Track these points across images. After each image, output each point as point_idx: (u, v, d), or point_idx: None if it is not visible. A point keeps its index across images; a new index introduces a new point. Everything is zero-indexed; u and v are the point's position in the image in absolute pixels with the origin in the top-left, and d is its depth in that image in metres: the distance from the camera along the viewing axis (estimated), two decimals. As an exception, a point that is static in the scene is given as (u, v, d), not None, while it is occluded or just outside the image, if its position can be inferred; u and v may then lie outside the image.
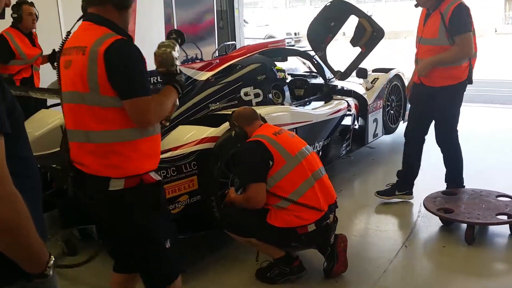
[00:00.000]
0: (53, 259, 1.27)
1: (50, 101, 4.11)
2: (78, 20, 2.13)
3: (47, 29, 5.73)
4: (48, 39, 5.20)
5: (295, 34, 18.46)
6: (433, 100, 4.00)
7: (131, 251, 2.17)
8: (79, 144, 2.03)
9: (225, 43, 8.12)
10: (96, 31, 1.98)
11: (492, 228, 3.63)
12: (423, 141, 4.26)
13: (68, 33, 2.11)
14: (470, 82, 3.96)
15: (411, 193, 4.30)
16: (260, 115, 3.21)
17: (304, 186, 2.89)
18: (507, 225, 3.54)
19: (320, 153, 4.52)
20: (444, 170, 4.25)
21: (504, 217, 3.52)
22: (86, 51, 1.93)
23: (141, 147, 2.02)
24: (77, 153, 2.05)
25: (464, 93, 4.00)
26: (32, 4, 4.85)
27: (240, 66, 4.38)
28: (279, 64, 5.00)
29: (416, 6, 3.98)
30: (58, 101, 3.88)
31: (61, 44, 2.11)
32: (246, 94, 4.14)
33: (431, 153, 5.63)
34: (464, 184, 4.17)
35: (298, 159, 2.94)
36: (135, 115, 1.95)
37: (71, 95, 2.01)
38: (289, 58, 5.66)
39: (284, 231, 2.87)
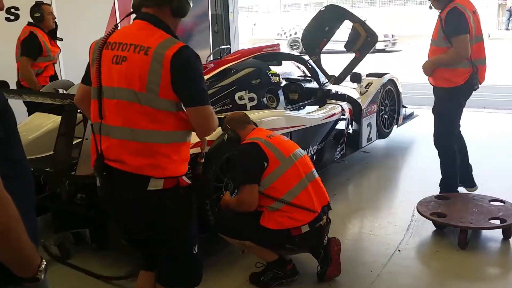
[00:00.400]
0: (45, 263, 1.26)
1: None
2: (127, 16, 2.15)
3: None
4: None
5: (392, 36, 18.31)
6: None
7: (160, 251, 2.17)
8: (122, 141, 1.99)
9: (220, 47, 8.12)
10: (156, 33, 1.99)
11: (485, 233, 3.64)
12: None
13: (116, 26, 2.09)
14: (471, 87, 3.99)
15: (471, 186, 4.33)
16: (251, 120, 3.22)
17: (298, 187, 2.91)
18: (500, 230, 3.56)
19: (314, 157, 4.53)
20: (437, 174, 4.27)
21: (497, 222, 3.53)
22: (150, 52, 1.92)
23: (182, 150, 2.07)
24: (117, 150, 2.00)
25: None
26: (49, 4, 5.06)
27: (234, 70, 4.39)
28: (274, 68, 5.01)
29: (430, 8, 4.10)
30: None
31: (105, 36, 2.07)
32: (240, 98, 4.14)
33: (425, 157, 5.68)
34: (458, 190, 4.20)
35: (292, 160, 2.96)
36: (200, 122, 2.03)
37: (123, 92, 1.97)
38: (283, 62, 5.67)
39: (278, 233, 2.88)
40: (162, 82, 1.92)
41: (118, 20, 7.11)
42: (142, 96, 1.94)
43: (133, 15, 2.14)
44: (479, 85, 4.06)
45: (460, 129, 4.28)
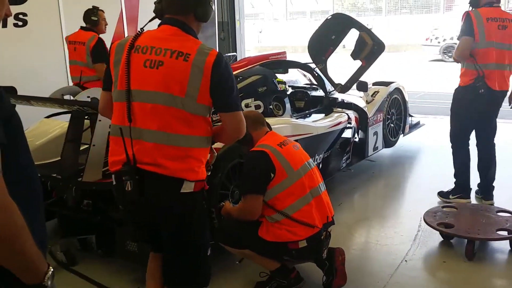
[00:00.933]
0: (52, 270, 1.25)
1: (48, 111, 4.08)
2: (150, 21, 2.19)
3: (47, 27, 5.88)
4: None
5: None
6: None
7: (175, 253, 2.19)
8: (157, 145, 2.02)
9: (226, 55, 8.16)
10: (189, 39, 2.07)
11: (492, 244, 3.61)
12: (480, 142, 4.44)
13: (141, 30, 2.13)
14: (476, 90, 4.11)
15: (486, 199, 4.40)
16: (266, 121, 3.14)
17: (300, 202, 2.85)
18: (507, 241, 3.53)
19: (320, 165, 4.51)
20: (444, 183, 4.26)
21: (505, 233, 3.50)
22: (190, 58, 1.98)
23: (206, 155, 2.17)
24: (152, 153, 2.03)
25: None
26: (103, 11, 5.28)
27: (241, 77, 4.39)
28: (280, 76, 5.01)
29: None
30: (58, 110, 3.92)
31: (131, 39, 2.09)
32: (247, 105, 4.15)
33: (431, 166, 5.65)
34: (469, 192, 4.37)
35: (300, 174, 2.89)
36: (235, 127, 2.14)
37: (161, 96, 2.00)
38: (290, 70, 5.68)
39: (275, 245, 2.85)
40: (201, 88, 1.99)
41: (125, 26, 7.16)
42: (180, 100, 1.99)
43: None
44: (496, 91, 4.13)
45: (491, 140, 4.40)
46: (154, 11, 2.18)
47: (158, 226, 2.21)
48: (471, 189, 4.45)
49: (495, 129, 4.40)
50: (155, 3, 2.17)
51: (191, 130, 2.03)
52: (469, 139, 4.39)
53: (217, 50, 2.32)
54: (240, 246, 2.97)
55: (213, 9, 2.17)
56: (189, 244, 2.17)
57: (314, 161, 4.25)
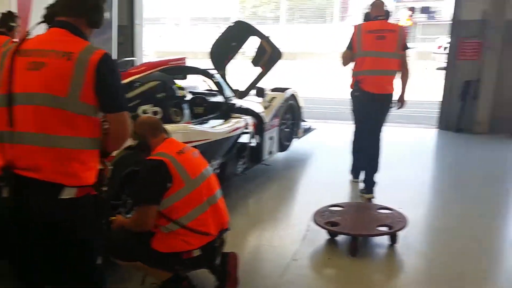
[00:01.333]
0: None
1: None
2: (37, 24, 2.13)
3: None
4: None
5: None
6: None
7: (63, 263, 2.12)
8: (37, 148, 1.95)
9: (125, 59, 7.99)
10: (76, 40, 2.04)
11: (374, 239, 3.87)
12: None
13: (27, 34, 2.07)
14: (353, 93, 4.74)
15: (365, 192, 4.87)
16: (164, 128, 3.05)
17: (196, 210, 2.80)
18: (388, 236, 3.82)
19: (218, 171, 4.59)
20: (334, 184, 4.51)
21: (385, 228, 3.79)
22: (73, 57, 1.95)
23: (95, 158, 2.09)
24: (31, 157, 1.95)
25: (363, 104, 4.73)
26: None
27: (139, 83, 4.35)
28: (179, 82, 5.03)
29: None
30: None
31: (16, 43, 2.03)
32: (144, 112, 4.11)
33: (322, 169, 5.98)
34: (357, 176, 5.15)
35: (197, 183, 2.83)
36: (120, 128, 2.09)
37: (42, 97, 1.94)
38: (189, 76, 5.70)
39: (168, 256, 2.78)
40: (84, 86, 1.96)
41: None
42: (62, 100, 1.95)
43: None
44: (372, 94, 4.61)
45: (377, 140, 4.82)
46: (43, 16, 2.15)
47: (38, 235, 2.10)
48: (359, 171, 5.11)
49: (379, 128, 4.80)
50: (46, 8, 2.15)
51: (75, 131, 1.98)
52: (363, 133, 4.88)
53: (115, 54, 2.31)
54: (130, 259, 2.85)
55: (106, 16, 2.18)
56: (78, 252, 2.11)
57: (211, 166, 4.32)
